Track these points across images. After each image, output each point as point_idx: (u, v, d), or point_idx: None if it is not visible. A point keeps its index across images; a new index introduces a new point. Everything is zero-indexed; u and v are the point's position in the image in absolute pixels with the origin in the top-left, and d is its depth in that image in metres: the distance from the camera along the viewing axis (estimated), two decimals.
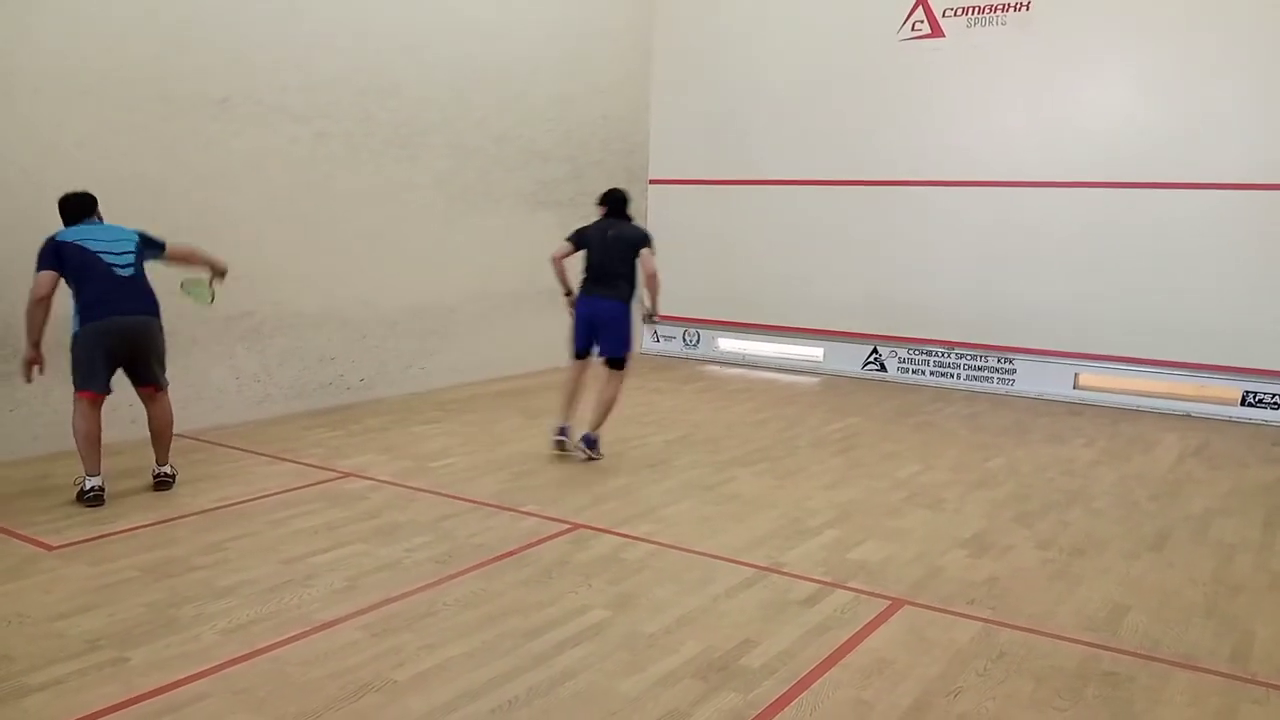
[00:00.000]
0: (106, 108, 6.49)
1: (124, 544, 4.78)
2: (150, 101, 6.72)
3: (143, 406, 5.74)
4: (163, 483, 5.73)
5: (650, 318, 6.98)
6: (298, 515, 5.31)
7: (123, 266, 5.42)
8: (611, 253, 6.61)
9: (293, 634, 3.84)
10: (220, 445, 6.73)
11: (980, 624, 4.13)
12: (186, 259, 5.86)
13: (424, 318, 8.95)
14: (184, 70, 6.89)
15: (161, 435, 5.75)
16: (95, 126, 6.43)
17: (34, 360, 5.32)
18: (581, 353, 6.76)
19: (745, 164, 11.01)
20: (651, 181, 11.66)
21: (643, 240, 6.66)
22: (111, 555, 4.62)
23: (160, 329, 5.63)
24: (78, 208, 5.52)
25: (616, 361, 6.68)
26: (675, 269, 11.54)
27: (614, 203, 6.82)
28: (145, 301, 5.54)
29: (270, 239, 7.55)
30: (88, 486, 5.35)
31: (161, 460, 5.78)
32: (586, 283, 6.72)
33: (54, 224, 5.39)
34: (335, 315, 8.12)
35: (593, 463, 6.56)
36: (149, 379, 5.66)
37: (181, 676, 3.47)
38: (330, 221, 8.01)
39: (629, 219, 6.83)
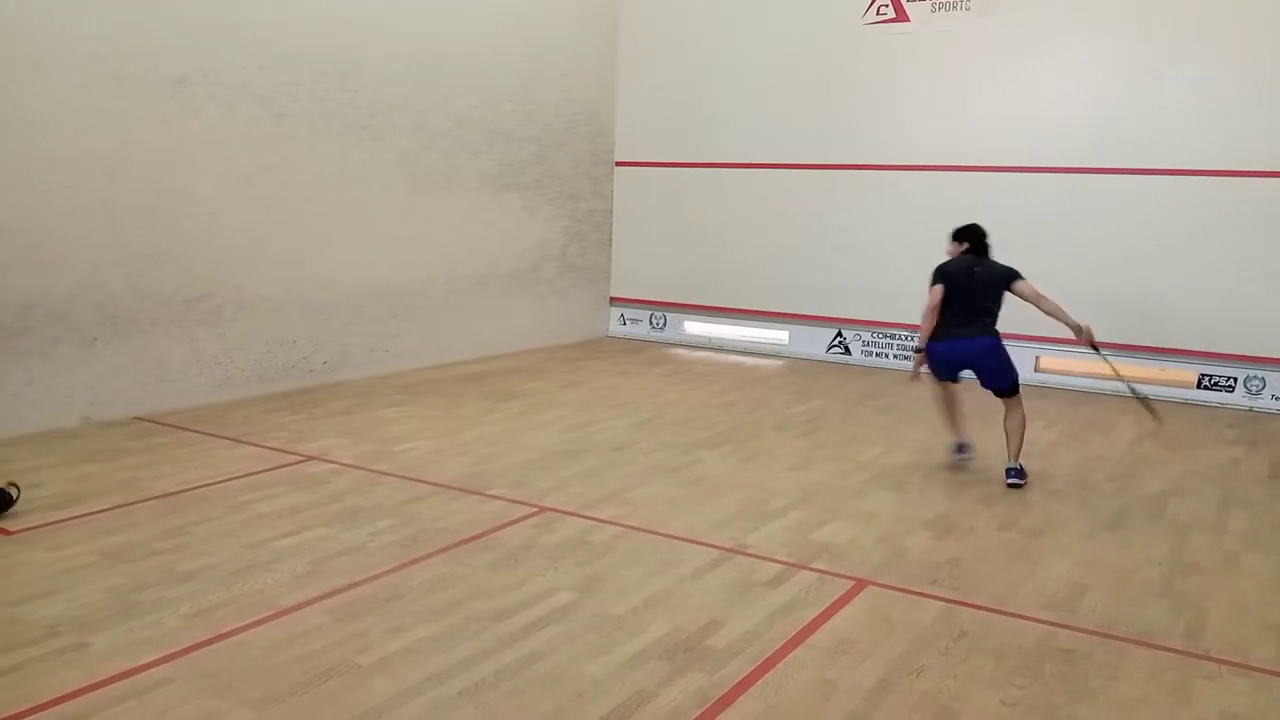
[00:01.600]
0: (61, 85, 6.35)
1: (83, 529, 4.72)
2: (106, 79, 6.59)
3: (103, 389, 5.61)
4: None
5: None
6: (260, 499, 5.26)
7: None
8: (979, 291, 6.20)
9: (256, 618, 3.81)
10: (181, 429, 6.65)
11: (942, 604, 4.18)
12: None
13: (387, 300, 8.88)
14: (141, 48, 6.76)
15: None
16: (49, 104, 6.29)
17: None
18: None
19: (712, 147, 11.00)
20: (618, 164, 11.62)
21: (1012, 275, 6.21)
22: (70, 540, 4.56)
23: None
24: None
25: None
26: (642, 252, 11.60)
27: (975, 239, 6.41)
28: None
29: (230, 220, 7.45)
30: None
31: None
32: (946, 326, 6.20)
33: (7, 203, 5.27)
34: (297, 297, 8.03)
35: (560, 447, 6.56)
36: None
37: (144, 661, 3.43)
38: (292, 203, 7.91)
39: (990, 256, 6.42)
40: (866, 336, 10.28)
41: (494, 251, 10.04)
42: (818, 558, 4.68)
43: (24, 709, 3.10)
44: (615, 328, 11.80)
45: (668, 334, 11.45)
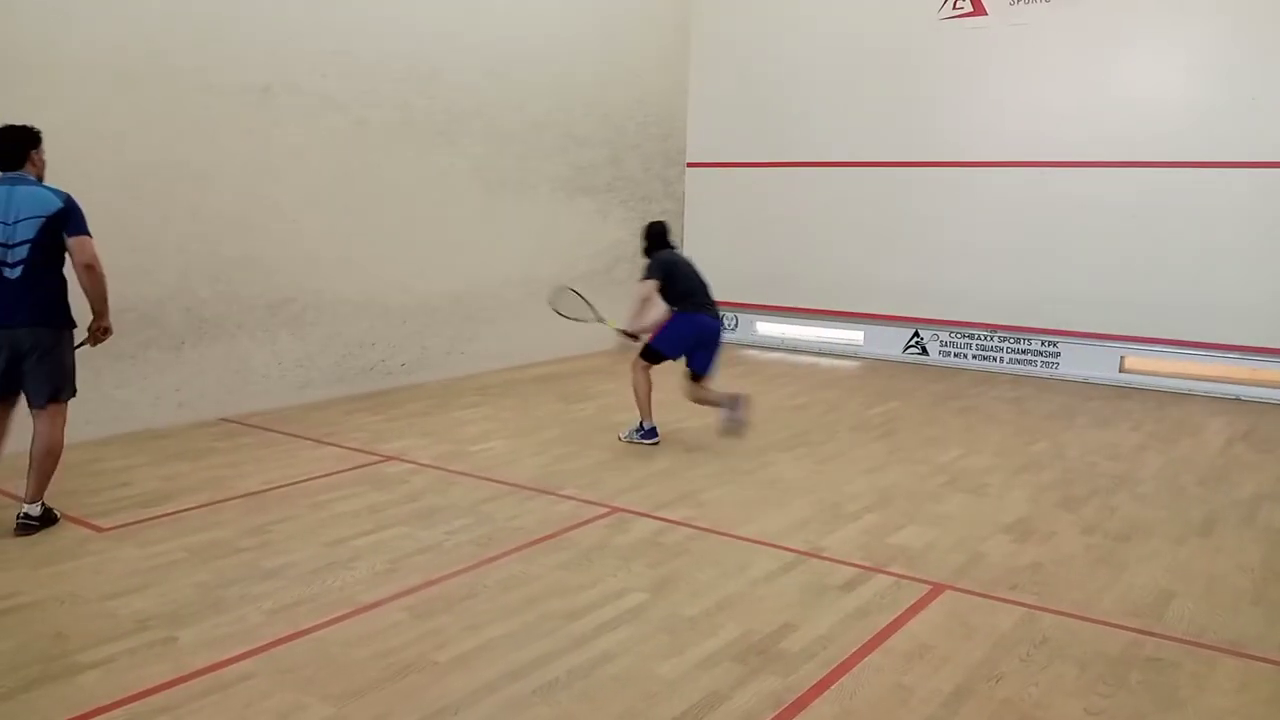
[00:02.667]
0: (149, 97, 6.57)
1: (172, 526, 4.87)
2: (192, 90, 6.80)
3: (192, 389, 5.76)
4: (25, 527, 4.66)
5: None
6: (340, 498, 5.37)
7: (13, 264, 4.53)
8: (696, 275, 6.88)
9: (336, 615, 3.89)
10: (264, 429, 6.83)
11: (1023, 609, 4.09)
12: (86, 274, 4.66)
13: (464, 303, 9.00)
14: (225, 59, 6.97)
15: (39, 463, 4.70)
16: (138, 115, 6.52)
17: None
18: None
19: (784, 146, 10.93)
20: (689, 165, 11.61)
21: None
22: (160, 537, 4.71)
23: (51, 341, 4.65)
24: (2, 154, 4.63)
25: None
26: (713, 253, 11.54)
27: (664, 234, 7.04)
28: (37, 310, 4.59)
29: (311, 226, 7.63)
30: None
31: (31, 495, 4.71)
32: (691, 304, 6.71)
33: (100, 213, 5.43)
34: (376, 301, 8.19)
35: (631, 447, 6.58)
36: (43, 396, 4.68)
37: (229, 656, 3.53)
38: (370, 208, 8.07)
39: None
40: (945, 336, 10.11)
41: (568, 254, 10.11)
42: (894, 561, 4.61)
43: (115, 700, 3.21)
44: None
45: (740, 335, 11.40)
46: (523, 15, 9.22)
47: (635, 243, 11.01)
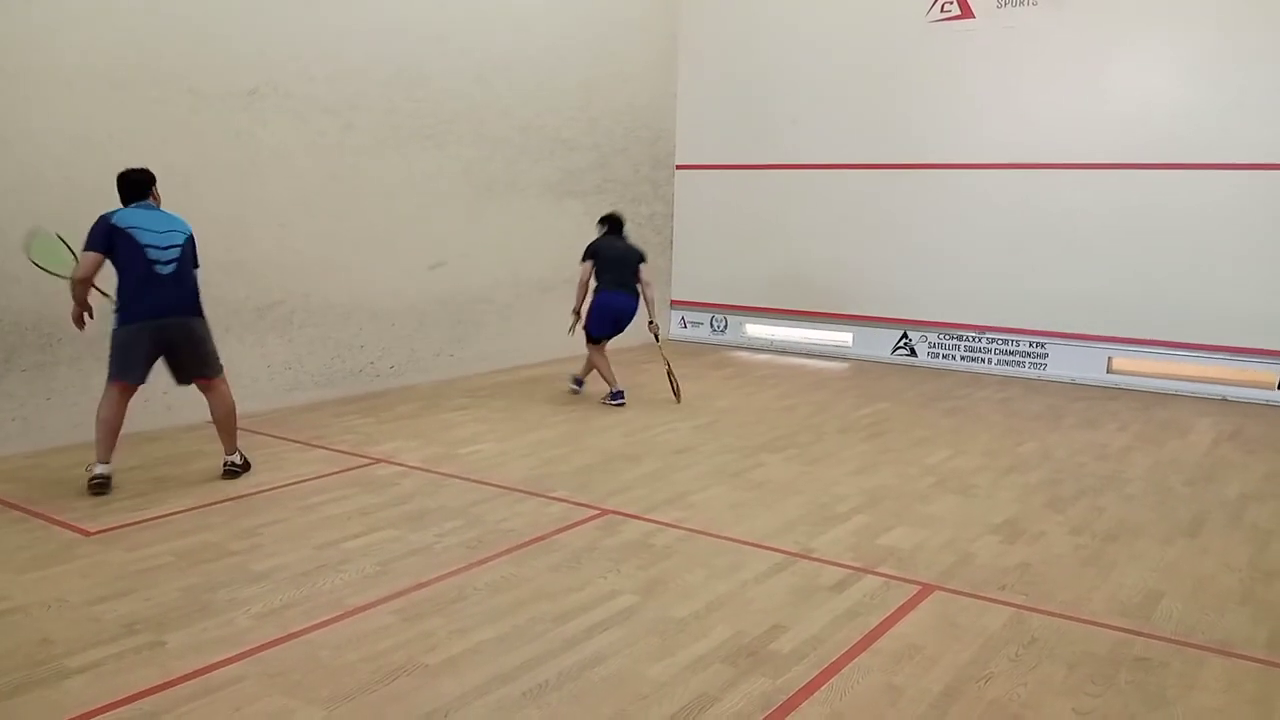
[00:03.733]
0: (136, 100, 6.55)
1: (159, 530, 4.85)
2: (179, 94, 6.78)
3: (182, 394, 5.84)
4: (230, 471, 5.75)
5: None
6: (329, 501, 5.36)
7: (165, 263, 5.36)
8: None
9: (326, 618, 3.88)
10: (253, 432, 6.80)
11: (1012, 610, 4.10)
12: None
13: (453, 306, 8.99)
14: (212, 62, 6.95)
15: (223, 424, 5.74)
16: (125, 119, 6.49)
17: (80, 315, 5.35)
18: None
19: (773, 149, 10.95)
20: (678, 167, 11.63)
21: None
22: (147, 541, 4.69)
23: (202, 328, 5.59)
24: (134, 187, 5.46)
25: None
26: (702, 255, 11.59)
27: (614, 223, 8.29)
28: (186, 302, 5.49)
29: (299, 229, 7.61)
30: (96, 473, 5.36)
31: (228, 448, 5.78)
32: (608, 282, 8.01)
33: (88, 216, 5.43)
34: (365, 304, 8.17)
35: (621, 450, 6.58)
36: (195, 374, 5.64)
37: (217, 660, 3.52)
38: (359, 211, 8.06)
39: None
40: (933, 338, 10.14)
41: (556, 257, 10.09)
42: (883, 562, 4.62)
43: (102, 705, 3.19)
44: (676, 330, 11.80)
45: (729, 336, 11.42)
46: (511, 19, 9.22)
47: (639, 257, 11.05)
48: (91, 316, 5.41)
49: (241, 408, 7.18)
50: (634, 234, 10.97)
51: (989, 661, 3.63)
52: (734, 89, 11.20)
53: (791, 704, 3.29)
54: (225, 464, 5.77)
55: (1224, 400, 8.67)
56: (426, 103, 8.51)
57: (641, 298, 8.04)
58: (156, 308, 5.35)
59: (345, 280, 7.99)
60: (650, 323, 8.11)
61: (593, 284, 7.98)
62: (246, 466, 5.82)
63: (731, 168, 11.31)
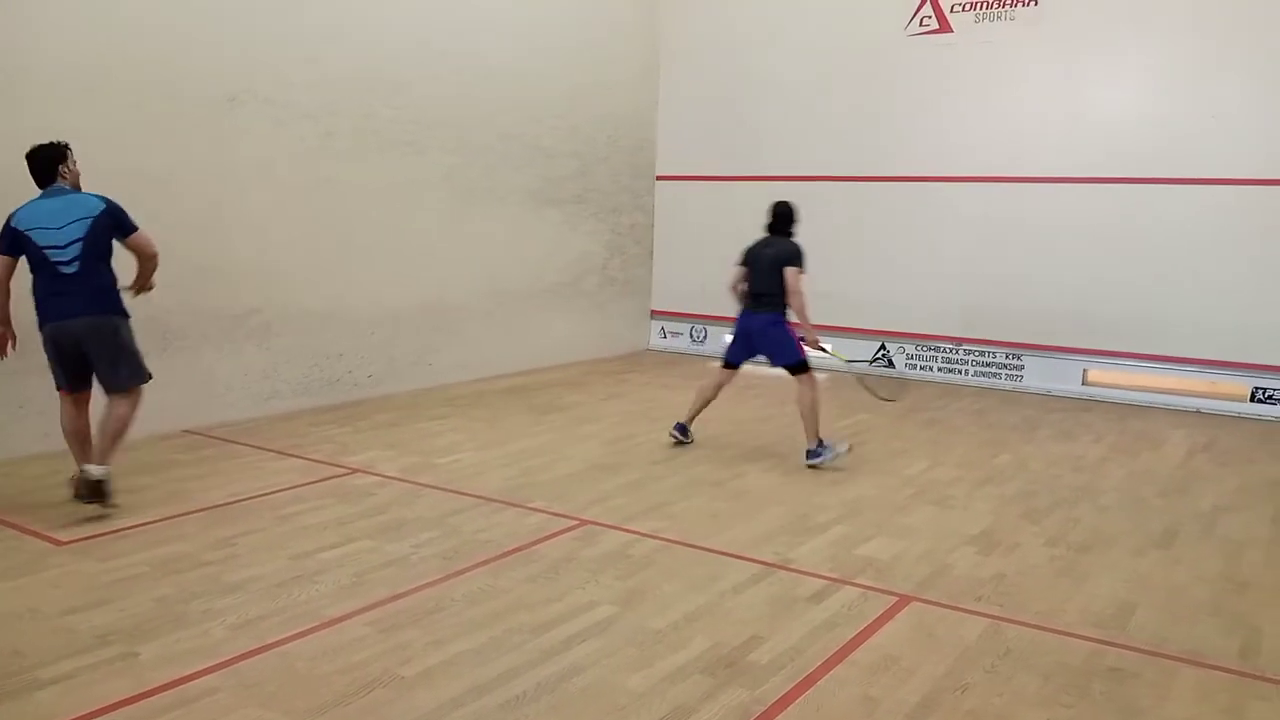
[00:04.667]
0: (115, 105, 6.51)
1: (133, 540, 4.80)
2: (159, 99, 6.74)
3: (155, 402, 5.71)
4: (89, 487, 5.01)
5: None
6: (306, 511, 5.33)
7: (67, 262, 4.97)
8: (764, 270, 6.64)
9: (301, 629, 3.86)
10: (228, 441, 6.76)
11: (988, 621, 4.13)
12: (139, 256, 5.22)
13: (432, 314, 8.97)
14: (192, 68, 6.91)
15: (109, 436, 5.14)
16: (104, 124, 6.44)
17: (2, 336, 5.12)
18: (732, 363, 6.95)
19: (754, 160, 10.99)
20: (659, 177, 11.65)
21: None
22: (121, 551, 4.64)
23: (110, 327, 5.11)
24: (40, 168, 5.08)
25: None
26: (682, 265, 11.61)
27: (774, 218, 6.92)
28: (92, 302, 5.05)
29: (278, 236, 7.57)
30: (83, 470, 5.10)
31: (100, 459, 5.12)
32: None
33: None
34: (343, 312, 8.14)
35: (602, 460, 6.58)
36: (105, 383, 5.19)
37: (191, 671, 3.48)
38: (338, 219, 8.03)
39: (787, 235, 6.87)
40: (911, 349, 10.19)
41: (536, 266, 10.11)
42: (861, 573, 4.63)
43: (75, 716, 3.16)
44: (656, 341, 11.81)
45: (709, 347, 11.43)
46: (492, 27, 9.23)
47: (604, 254, 11.07)
48: (14, 345, 5.17)
49: (217, 417, 7.18)
50: (612, 244, 11.04)
51: (965, 672, 3.64)
52: (715, 101, 11.24)
53: (769, 715, 3.29)
54: (86, 475, 5.03)
55: (1198, 412, 8.76)
56: (407, 110, 8.50)
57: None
58: (61, 310, 5.02)
59: (324, 288, 7.96)
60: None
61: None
62: (98, 492, 5.03)
63: (712, 179, 11.34)
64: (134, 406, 5.26)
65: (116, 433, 5.18)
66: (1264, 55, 8.39)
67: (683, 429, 7.01)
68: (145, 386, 5.36)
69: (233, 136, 7.21)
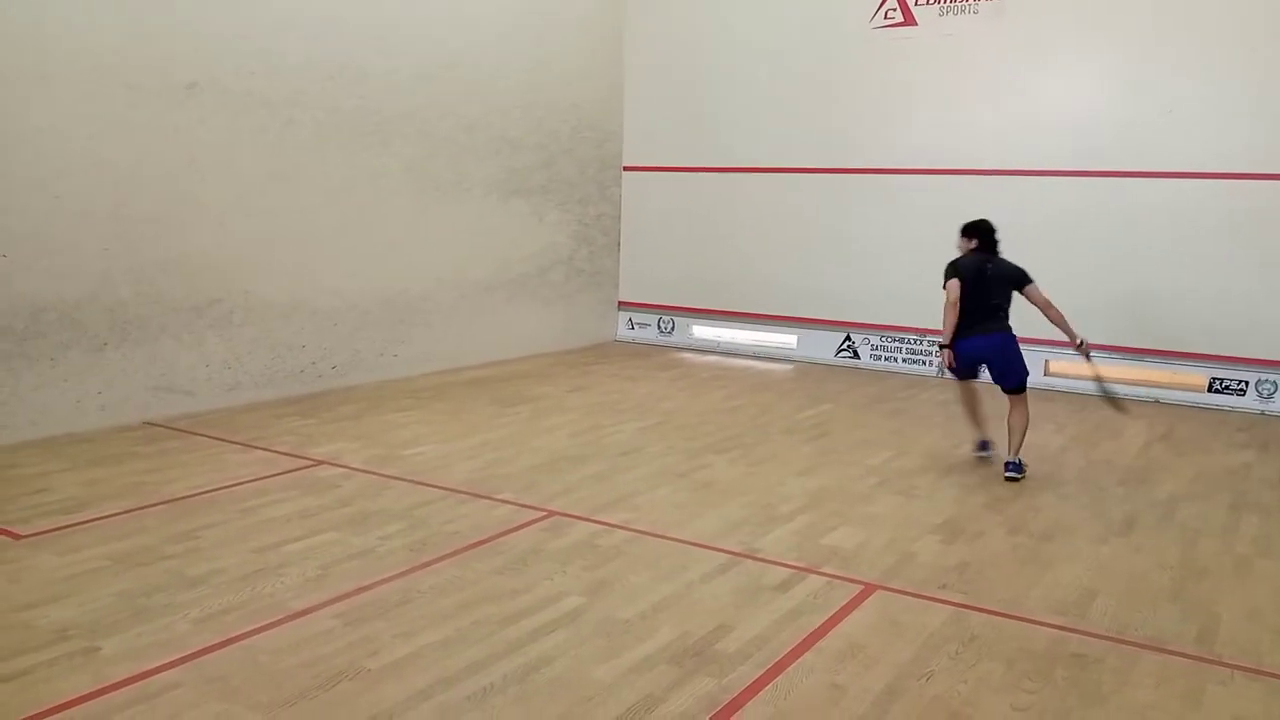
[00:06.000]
0: (72, 93, 6.38)
1: (93, 533, 4.73)
2: (116, 87, 6.62)
3: (114, 394, 5.61)
4: None
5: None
6: (269, 503, 5.27)
7: None
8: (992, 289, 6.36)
9: (266, 623, 3.82)
10: (191, 433, 6.67)
11: (952, 608, 4.17)
12: None
13: (396, 306, 8.90)
14: (150, 55, 6.79)
15: None
16: (60, 113, 6.33)
17: None
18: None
19: (719, 151, 11.00)
20: (625, 168, 11.63)
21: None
22: (80, 544, 4.57)
23: None
24: None
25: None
26: (649, 256, 11.61)
27: (984, 235, 6.57)
28: None
29: (239, 227, 7.47)
30: None
31: None
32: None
33: (17, 210, 5.29)
34: (306, 303, 8.05)
35: (568, 452, 6.57)
36: None
37: (153, 666, 3.44)
38: (300, 209, 7.94)
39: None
40: (875, 340, 10.26)
41: (502, 256, 10.06)
42: (827, 562, 4.66)
43: (33, 713, 3.11)
44: (623, 332, 11.80)
45: (676, 338, 11.45)
46: (455, 17, 9.15)
47: (570, 245, 11.04)
48: None
49: (179, 408, 7.09)
50: (579, 234, 11.02)
51: (930, 660, 3.68)
52: (679, 91, 11.23)
53: (736, 704, 3.31)
54: None
55: (1157, 403, 8.89)
56: (369, 100, 8.41)
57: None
58: None
59: (286, 279, 7.87)
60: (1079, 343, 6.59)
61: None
62: None
63: (678, 170, 11.34)
64: None
65: None
66: (1220, 50, 8.50)
67: (984, 444, 6.68)
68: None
69: (192, 126, 7.10)
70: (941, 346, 6.39)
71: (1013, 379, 6.41)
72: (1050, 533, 5.22)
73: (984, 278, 6.32)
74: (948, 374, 6.50)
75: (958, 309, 6.24)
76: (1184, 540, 5.17)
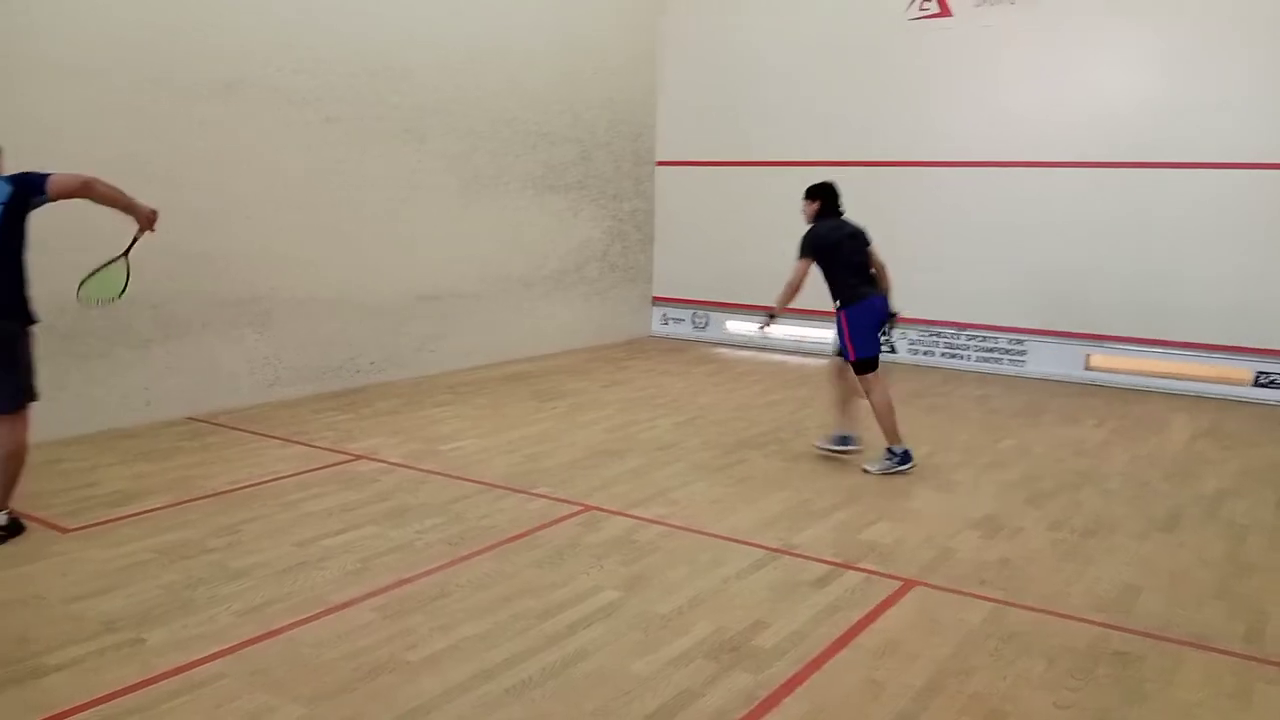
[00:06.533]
0: (112, 92, 6.49)
1: (139, 526, 4.81)
2: (156, 85, 6.72)
3: (160, 388, 5.67)
4: None
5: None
6: (310, 498, 5.33)
7: None
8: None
9: (307, 615, 3.87)
10: (233, 429, 6.76)
11: (992, 604, 4.13)
12: (84, 194, 4.49)
13: (434, 301, 8.96)
14: (191, 55, 6.89)
15: (3, 465, 4.54)
16: (101, 111, 6.43)
17: None
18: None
19: (754, 145, 10.96)
20: (659, 163, 11.62)
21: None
22: (127, 538, 4.65)
23: (13, 336, 4.49)
24: None
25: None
26: (684, 251, 11.59)
27: (831, 197, 6.40)
28: None
29: (281, 224, 7.56)
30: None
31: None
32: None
33: (58, 209, 5.34)
34: (346, 299, 8.13)
35: (605, 447, 6.58)
36: None
37: (198, 657, 3.50)
38: (340, 206, 8.01)
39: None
40: (913, 335, 10.18)
41: (538, 252, 10.09)
42: (864, 558, 4.64)
43: (82, 703, 3.17)
44: (658, 327, 11.80)
45: (710, 333, 11.43)
46: (492, 13, 9.19)
47: (605, 241, 11.05)
48: None
49: (221, 404, 7.19)
50: (613, 230, 11.03)
51: (969, 656, 3.65)
52: (714, 85, 11.19)
53: (773, 699, 3.30)
54: None
55: (1200, 397, 8.75)
56: (408, 96, 8.47)
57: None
58: None
59: (326, 275, 7.95)
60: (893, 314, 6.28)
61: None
62: (13, 530, 4.56)
63: (712, 164, 11.31)
64: (27, 429, 4.61)
65: (17, 462, 4.58)
66: (1266, 36, 8.34)
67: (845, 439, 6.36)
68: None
69: (232, 123, 7.19)
70: (771, 315, 6.18)
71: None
72: (1092, 528, 5.15)
73: (848, 239, 6.22)
74: (769, 329, 6.34)
75: (798, 289, 6.06)
76: (1230, 536, 5.09)
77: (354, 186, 8.11)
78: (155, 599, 3.98)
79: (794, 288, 6.09)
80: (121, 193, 4.59)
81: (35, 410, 4.72)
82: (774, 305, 6.14)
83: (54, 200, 4.50)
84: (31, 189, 4.44)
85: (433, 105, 8.71)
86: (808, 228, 6.29)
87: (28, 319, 4.55)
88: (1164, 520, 5.32)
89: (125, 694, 3.23)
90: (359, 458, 6.16)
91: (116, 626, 3.72)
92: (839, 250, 6.18)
